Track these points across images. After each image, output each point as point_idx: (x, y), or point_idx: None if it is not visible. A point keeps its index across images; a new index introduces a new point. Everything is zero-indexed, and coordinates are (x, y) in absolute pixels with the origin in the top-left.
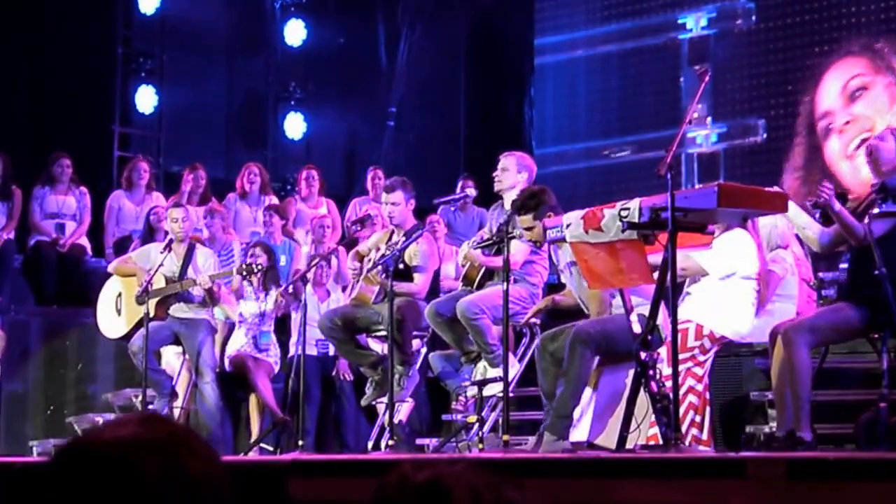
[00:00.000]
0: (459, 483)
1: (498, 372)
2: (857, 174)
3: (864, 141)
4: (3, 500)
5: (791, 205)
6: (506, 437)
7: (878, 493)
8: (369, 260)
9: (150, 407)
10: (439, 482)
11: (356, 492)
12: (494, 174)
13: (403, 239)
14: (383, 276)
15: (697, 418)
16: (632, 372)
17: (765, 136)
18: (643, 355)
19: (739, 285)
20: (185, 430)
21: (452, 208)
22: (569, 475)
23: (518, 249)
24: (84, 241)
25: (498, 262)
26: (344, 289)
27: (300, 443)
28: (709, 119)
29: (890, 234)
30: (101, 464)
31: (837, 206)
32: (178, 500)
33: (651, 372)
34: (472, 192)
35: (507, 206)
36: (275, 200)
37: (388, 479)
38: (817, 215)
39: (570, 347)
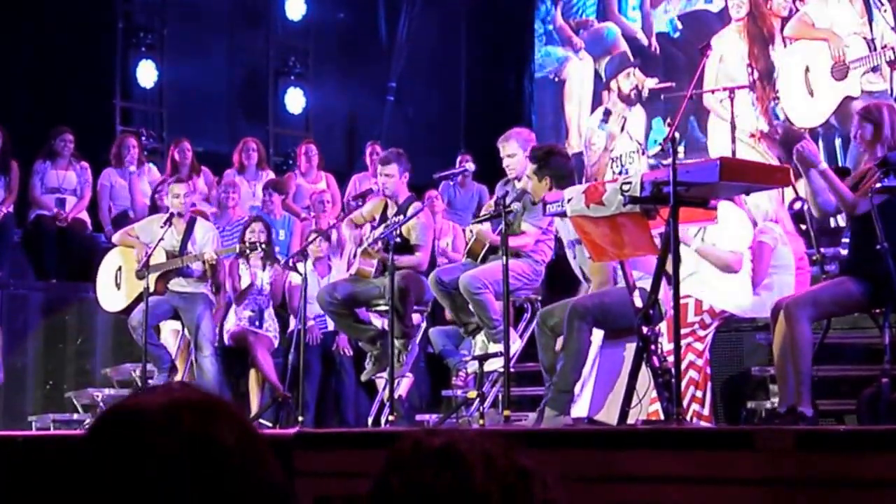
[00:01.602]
0: (473, 448)
1: (499, 347)
2: None
3: None
4: (22, 476)
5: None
6: (507, 413)
7: (887, 464)
8: (368, 237)
9: (150, 382)
10: (453, 447)
11: (361, 464)
12: (504, 164)
13: (398, 214)
14: (381, 250)
15: (698, 393)
16: (630, 347)
17: None
18: (645, 330)
19: None
20: (217, 396)
21: (452, 183)
22: (580, 446)
23: (529, 231)
24: (84, 216)
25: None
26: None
27: (300, 418)
28: None
29: (892, 209)
30: (142, 427)
31: (823, 164)
32: (219, 464)
33: (653, 347)
34: (470, 166)
35: (520, 185)
36: (272, 175)
37: (400, 445)
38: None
39: (567, 322)
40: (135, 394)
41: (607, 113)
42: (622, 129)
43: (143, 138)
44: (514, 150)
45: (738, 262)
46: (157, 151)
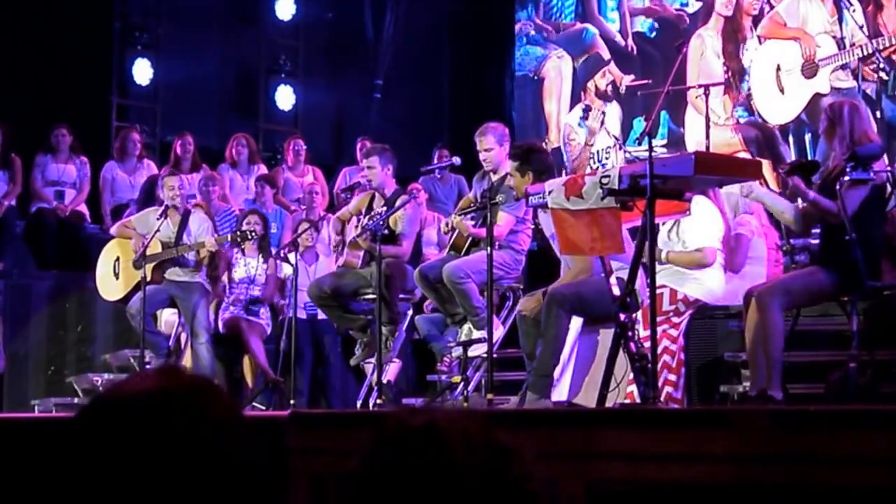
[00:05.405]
0: (454, 427)
1: (482, 333)
2: None
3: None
4: (25, 456)
5: (766, 193)
6: (490, 396)
7: (855, 442)
8: (356, 226)
9: (148, 367)
10: (434, 426)
11: (352, 443)
12: (481, 157)
13: (385, 207)
14: (368, 239)
15: (672, 377)
16: (605, 333)
17: None
18: (622, 317)
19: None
20: (205, 379)
21: (438, 175)
22: (561, 426)
23: (504, 220)
24: (83, 208)
25: (484, 232)
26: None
27: (291, 402)
28: None
29: (860, 201)
30: (129, 415)
31: (812, 194)
32: (206, 447)
33: (630, 333)
34: (457, 160)
35: (497, 177)
36: (264, 169)
37: (385, 424)
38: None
39: (546, 309)
40: (125, 379)
41: (587, 109)
42: (601, 124)
43: (137, 134)
44: (491, 145)
45: (708, 256)
46: (151, 147)
